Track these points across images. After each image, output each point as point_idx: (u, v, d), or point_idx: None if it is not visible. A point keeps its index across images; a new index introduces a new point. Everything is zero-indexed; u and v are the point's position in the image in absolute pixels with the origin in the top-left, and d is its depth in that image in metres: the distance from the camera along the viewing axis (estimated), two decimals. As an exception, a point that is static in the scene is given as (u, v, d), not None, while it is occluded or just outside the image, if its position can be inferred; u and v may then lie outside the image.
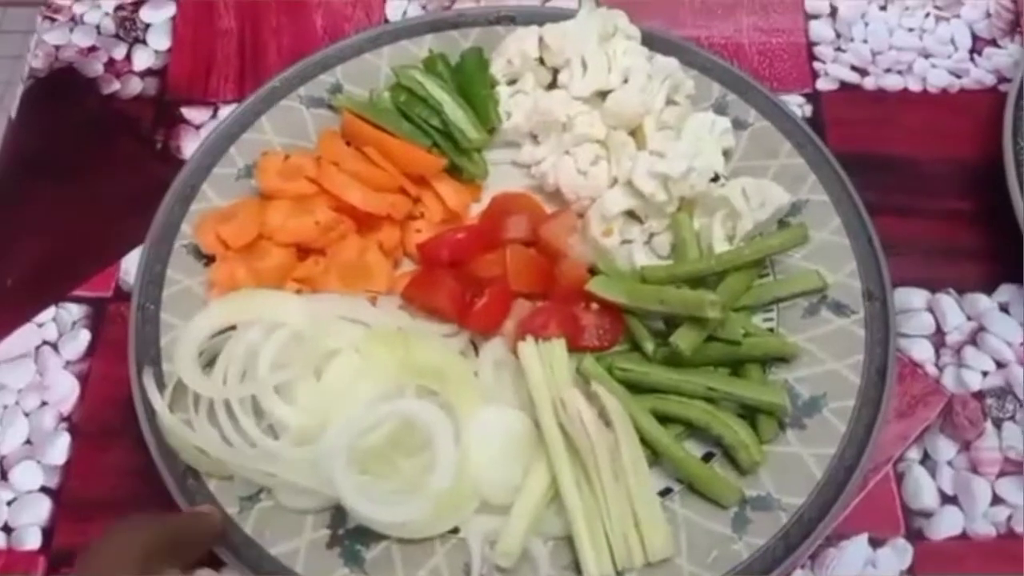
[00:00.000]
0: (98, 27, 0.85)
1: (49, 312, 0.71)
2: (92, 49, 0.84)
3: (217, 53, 0.84)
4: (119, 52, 0.84)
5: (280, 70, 0.78)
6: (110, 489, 0.64)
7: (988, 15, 0.87)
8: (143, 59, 0.83)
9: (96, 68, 0.83)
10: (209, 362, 0.63)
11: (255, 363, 0.62)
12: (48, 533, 0.63)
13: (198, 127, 0.80)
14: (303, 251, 0.70)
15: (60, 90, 0.82)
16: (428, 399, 0.62)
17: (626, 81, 0.72)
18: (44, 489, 0.65)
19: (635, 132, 0.72)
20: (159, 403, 0.61)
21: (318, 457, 0.59)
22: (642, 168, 0.68)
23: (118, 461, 0.65)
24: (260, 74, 0.82)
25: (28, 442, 0.66)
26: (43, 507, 0.64)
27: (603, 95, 0.72)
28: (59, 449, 0.66)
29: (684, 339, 0.62)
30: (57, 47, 0.84)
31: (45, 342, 0.70)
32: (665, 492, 0.62)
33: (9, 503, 0.64)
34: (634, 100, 0.70)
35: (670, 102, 0.74)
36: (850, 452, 0.62)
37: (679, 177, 0.67)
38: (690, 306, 0.62)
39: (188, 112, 0.80)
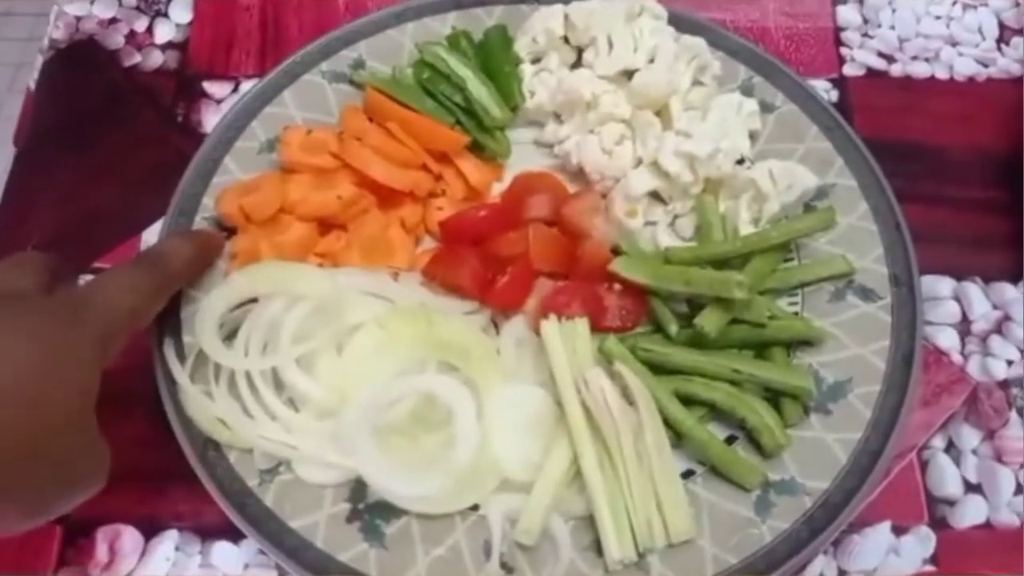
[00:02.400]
0: (119, -1, 0.85)
1: (70, 282, 0.70)
2: (113, 21, 0.84)
3: (238, 28, 0.83)
4: (140, 25, 0.83)
5: (302, 45, 0.77)
6: (127, 459, 0.63)
7: (1016, 4, 0.86)
8: (164, 32, 0.83)
9: (117, 40, 0.83)
10: (230, 334, 0.63)
11: (277, 335, 0.61)
12: (65, 503, 0.63)
13: (219, 101, 0.79)
14: (324, 226, 0.69)
15: (80, 62, 0.82)
16: (450, 375, 0.62)
17: (652, 61, 0.71)
18: (62, 459, 0.64)
19: (661, 112, 0.71)
20: (180, 374, 0.61)
21: (340, 430, 0.58)
22: (668, 148, 0.67)
23: (135, 431, 0.64)
24: (281, 49, 0.81)
25: (46, 412, 0.66)
26: (60, 477, 0.63)
27: (628, 74, 0.72)
28: (77, 419, 0.65)
29: (709, 320, 0.62)
30: (78, 18, 0.84)
31: (64, 312, 0.69)
32: (687, 474, 0.62)
33: (26, 472, 0.64)
34: (661, 79, 0.69)
35: (696, 83, 0.73)
36: (875, 438, 0.61)
37: (705, 158, 0.67)
38: (717, 286, 0.62)
39: (209, 86, 0.80)
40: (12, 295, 0.47)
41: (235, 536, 0.61)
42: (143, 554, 0.61)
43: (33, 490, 0.44)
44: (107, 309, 0.50)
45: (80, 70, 0.81)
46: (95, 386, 0.47)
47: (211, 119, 0.78)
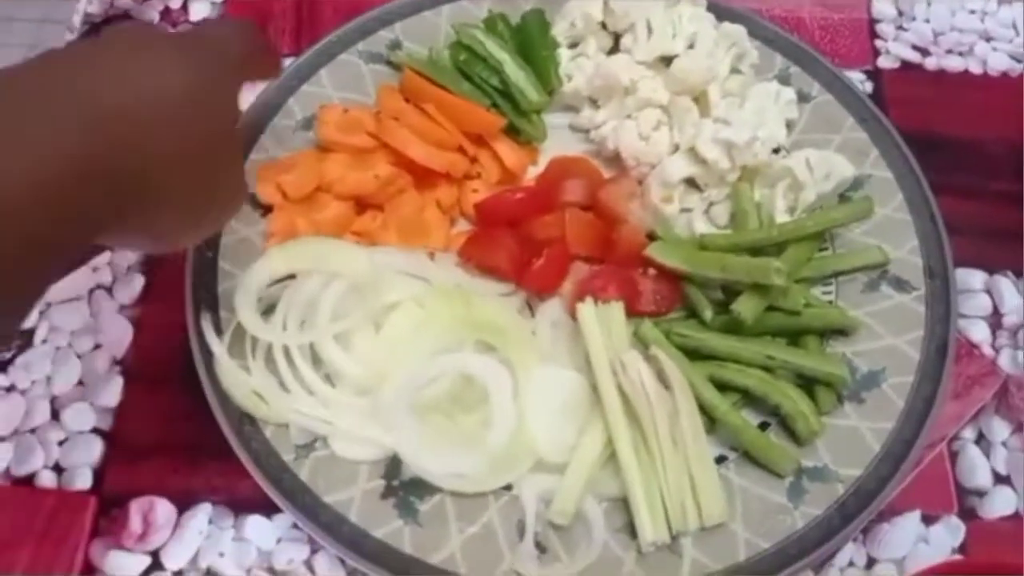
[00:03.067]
0: (155, -25, 0.85)
1: (104, 257, 0.71)
2: (149, -5, 0.84)
3: (274, 6, 0.83)
4: (176, 1, 0.83)
5: (337, 25, 0.77)
6: (162, 433, 0.64)
7: (1051, 0, 0.86)
8: (200, 9, 0.83)
9: (152, 16, 0.83)
10: (266, 310, 0.63)
11: (315, 312, 0.61)
12: (99, 475, 0.63)
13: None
14: (361, 205, 0.69)
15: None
16: (487, 355, 0.62)
17: (691, 47, 0.71)
18: (96, 431, 0.64)
19: (698, 99, 0.71)
20: (218, 347, 0.61)
21: (377, 407, 0.59)
22: (707, 135, 0.68)
23: (171, 405, 0.64)
24: (316, 28, 0.81)
25: (81, 383, 0.66)
26: (95, 448, 0.64)
27: (666, 61, 0.72)
28: (112, 392, 0.66)
29: (746, 307, 0.62)
30: (113, -6, 0.84)
31: (99, 286, 0.70)
32: (720, 460, 0.62)
33: (60, 443, 0.64)
34: (700, 66, 0.69)
35: (734, 70, 0.73)
36: (908, 427, 0.62)
37: (743, 145, 0.67)
38: (754, 273, 0.62)
39: (244, 64, 0.80)
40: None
41: (268, 510, 0.61)
42: (176, 526, 0.61)
43: (189, 196, 0.47)
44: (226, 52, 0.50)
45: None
46: (236, 112, 0.49)
47: (247, 96, 0.77)
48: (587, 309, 0.63)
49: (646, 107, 0.71)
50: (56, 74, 0.42)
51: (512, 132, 0.73)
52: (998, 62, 0.83)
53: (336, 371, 0.61)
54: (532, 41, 0.75)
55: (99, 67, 0.43)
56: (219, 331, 0.63)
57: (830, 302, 0.67)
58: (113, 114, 0.41)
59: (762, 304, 0.62)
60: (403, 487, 0.60)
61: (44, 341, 0.67)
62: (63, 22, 0.85)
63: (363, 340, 0.61)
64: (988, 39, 0.84)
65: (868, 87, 0.80)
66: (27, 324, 0.68)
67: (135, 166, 0.42)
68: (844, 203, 0.69)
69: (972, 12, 0.86)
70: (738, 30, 0.72)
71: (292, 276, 0.64)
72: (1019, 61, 0.83)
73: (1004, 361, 0.69)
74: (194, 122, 0.45)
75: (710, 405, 0.61)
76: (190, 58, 0.45)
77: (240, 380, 0.60)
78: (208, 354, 0.62)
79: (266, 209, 0.69)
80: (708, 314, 0.65)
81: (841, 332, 0.66)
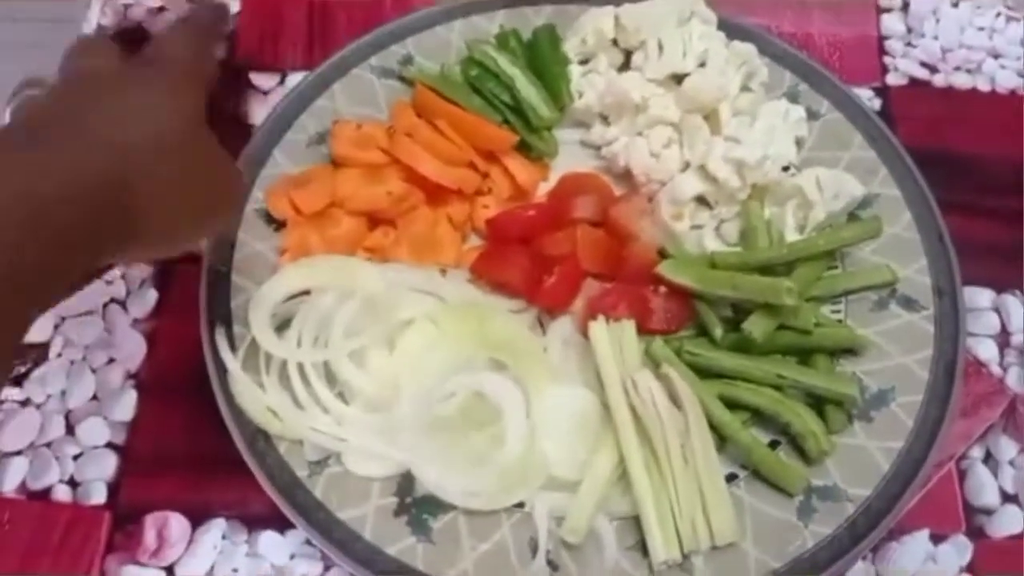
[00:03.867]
0: (167, -13, 0.85)
1: (117, 270, 0.71)
2: (161, 9, 0.84)
3: (286, 19, 0.83)
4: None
5: (349, 39, 0.78)
6: (176, 447, 0.65)
7: (1058, 18, 0.87)
8: (211, 22, 0.83)
9: (164, 29, 0.83)
10: (280, 326, 0.64)
11: (329, 329, 0.62)
12: (113, 489, 0.63)
13: (266, 93, 0.80)
14: (373, 221, 0.70)
15: (128, 49, 0.82)
16: (500, 373, 0.62)
17: (702, 65, 0.71)
18: (110, 445, 0.65)
19: (709, 117, 0.72)
20: (232, 363, 0.61)
21: (390, 424, 0.59)
22: (717, 153, 0.68)
23: (185, 420, 0.65)
24: (329, 42, 0.82)
25: (95, 398, 0.66)
26: (109, 463, 0.64)
27: (677, 79, 0.72)
28: (126, 406, 0.66)
29: (757, 326, 0.62)
30: (126, 5, 0.84)
31: (113, 299, 0.70)
32: (730, 478, 0.62)
33: (75, 458, 0.64)
34: (712, 84, 0.70)
35: (745, 89, 0.73)
36: (917, 446, 0.62)
37: (754, 164, 0.67)
38: (765, 292, 0.62)
39: (256, 77, 0.80)
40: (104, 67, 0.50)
41: (282, 526, 0.61)
42: (190, 542, 0.62)
43: (180, 205, 0.48)
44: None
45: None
46: (203, 113, 0.51)
47: (258, 110, 0.78)
48: (599, 328, 0.63)
49: (657, 124, 0.71)
50: (48, 116, 0.45)
51: (523, 148, 0.74)
52: (1006, 80, 0.83)
53: (350, 388, 0.61)
54: (544, 57, 0.76)
55: (81, 111, 0.45)
56: (233, 346, 0.63)
57: (839, 321, 0.68)
58: (99, 144, 0.44)
59: (773, 323, 0.63)
60: (416, 504, 0.60)
61: (59, 355, 0.68)
62: (72, 21, 0.85)
63: (377, 357, 0.62)
64: (996, 56, 0.85)
65: (876, 104, 0.81)
66: (41, 338, 0.68)
67: (123, 196, 0.44)
68: (853, 222, 0.69)
69: (981, 29, 0.86)
70: (748, 48, 0.73)
71: (307, 292, 0.64)
72: (1027, 78, 0.83)
73: (1012, 380, 0.69)
74: (176, 147, 0.47)
75: (720, 423, 0.62)
76: (154, 89, 0.48)
77: (254, 396, 0.61)
78: (222, 369, 0.62)
79: (279, 224, 0.69)
80: (718, 332, 0.65)
81: (851, 351, 0.66)
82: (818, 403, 0.63)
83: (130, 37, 0.80)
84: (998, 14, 0.87)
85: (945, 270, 0.68)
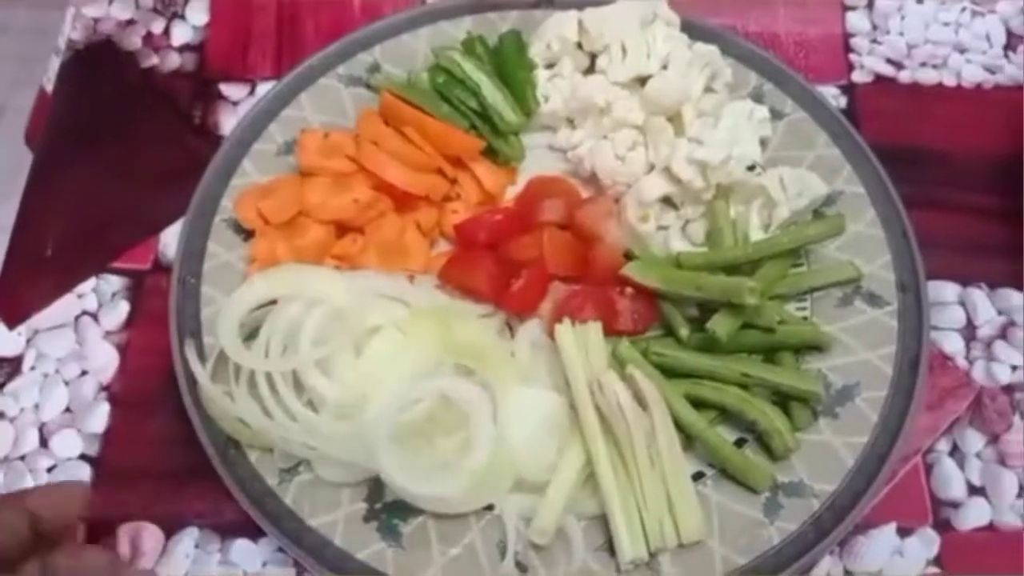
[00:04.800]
0: (137, 0, 0.86)
1: (89, 283, 0.72)
2: (130, 22, 0.84)
3: (255, 30, 0.84)
4: (157, 27, 0.84)
5: (318, 48, 0.78)
6: (149, 458, 0.65)
7: (1023, 11, 0.87)
8: (181, 34, 0.84)
9: (134, 42, 0.84)
10: (249, 335, 0.64)
11: (297, 337, 0.62)
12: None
13: (235, 103, 0.80)
14: (341, 229, 0.70)
15: (98, 63, 0.83)
16: (466, 378, 0.63)
17: (665, 67, 0.72)
18: (84, 456, 0.65)
19: (673, 118, 0.72)
20: (202, 374, 0.62)
21: (359, 431, 0.60)
22: (681, 155, 0.68)
23: (157, 431, 0.65)
24: (297, 52, 0.82)
25: (68, 410, 0.67)
26: (82, 475, 0.65)
27: (641, 81, 0.72)
28: (99, 418, 0.67)
29: (721, 325, 0.63)
30: (96, 20, 0.84)
31: (85, 312, 0.71)
32: (697, 476, 0.63)
33: (49, 470, 0.65)
34: (674, 86, 0.70)
35: (708, 90, 0.74)
36: (882, 441, 0.63)
37: (718, 164, 0.68)
38: (728, 292, 0.63)
39: (226, 88, 0.81)
40: None
41: (254, 534, 0.62)
42: (164, 551, 0.62)
43: None
44: None
45: (98, 71, 0.82)
46: None
47: (228, 121, 0.79)
48: (565, 331, 0.64)
49: (622, 127, 0.72)
50: None
51: (491, 153, 0.74)
52: (972, 74, 0.84)
53: (318, 396, 0.62)
54: (510, 63, 0.76)
55: None
56: (203, 357, 0.64)
57: (805, 318, 0.68)
58: None
59: (737, 322, 0.64)
60: (386, 509, 0.61)
61: (32, 368, 0.68)
62: (51, 32, 0.85)
63: (344, 365, 0.62)
64: (962, 51, 0.85)
65: (842, 101, 0.81)
66: (14, 351, 0.69)
67: None
68: (817, 220, 0.70)
69: (946, 24, 0.87)
70: (711, 50, 0.73)
71: (275, 301, 0.65)
72: (992, 72, 0.84)
73: (978, 373, 0.70)
74: None
75: (687, 423, 0.62)
76: None
77: (224, 406, 0.61)
78: (193, 380, 0.63)
79: (248, 233, 0.70)
80: (684, 332, 0.66)
81: (816, 347, 0.67)
82: (783, 400, 0.64)
83: (102, 56, 0.81)
84: (963, 8, 0.88)
85: (909, 266, 0.69)
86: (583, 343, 0.64)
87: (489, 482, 0.60)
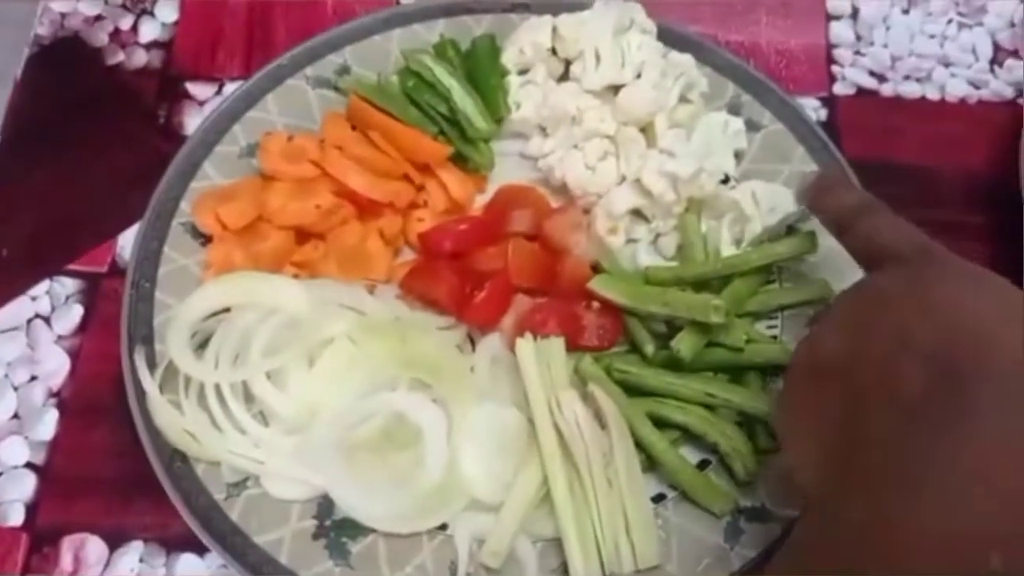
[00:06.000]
0: (105, -4, 0.84)
1: (43, 285, 0.70)
2: (98, 18, 0.83)
3: (225, 28, 0.82)
4: (125, 23, 0.82)
5: (287, 48, 0.77)
6: (96, 468, 0.63)
7: (1012, 25, 0.85)
8: (149, 31, 0.82)
9: (101, 38, 0.82)
10: (202, 344, 0.62)
11: (248, 347, 0.61)
12: (32, 510, 0.62)
13: (202, 103, 0.78)
14: (302, 235, 0.68)
15: (64, 59, 0.81)
16: (421, 392, 0.61)
17: (639, 76, 0.70)
18: (30, 465, 0.64)
19: (646, 129, 0.71)
20: (149, 383, 0.60)
21: (307, 446, 0.58)
22: (651, 167, 0.67)
23: (106, 440, 0.64)
24: (268, 52, 0.80)
25: (16, 416, 0.65)
26: (28, 483, 0.63)
27: (615, 89, 0.71)
28: (47, 425, 0.65)
29: (685, 343, 0.61)
30: (63, 15, 0.83)
31: (38, 315, 0.69)
32: (659, 498, 0.61)
33: (-6, 477, 0.63)
34: (646, 96, 0.69)
35: (683, 100, 0.72)
36: (848, 466, 0.61)
37: (688, 177, 0.66)
38: (693, 310, 0.61)
39: (193, 87, 0.79)
40: None
41: (200, 549, 0.60)
42: (107, 564, 0.61)
43: None
44: None
45: (63, 68, 0.80)
46: None
47: (193, 121, 0.77)
48: (526, 345, 0.62)
49: (593, 137, 0.70)
50: None
51: (460, 160, 0.72)
52: (956, 88, 0.82)
53: (268, 409, 0.60)
54: (482, 67, 0.74)
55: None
56: (154, 365, 0.62)
57: (775, 337, 0.67)
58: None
59: (702, 341, 0.62)
60: (335, 527, 0.59)
61: (-19, 372, 0.67)
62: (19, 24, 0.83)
63: (297, 377, 0.61)
64: (947, 64, 0.83)
65: (823, 114, 0.79)
66: (-37, 355, 0.67)
67: None
68: (788, 237, 0.68)
69: (932, 36, 0.85)
70: (686, 60, 0.72)
71: (228, 309, 0.63)
72: (977, 87, 0.82)
73: (951, 396, 0.68)
74: None
75: (648, 443, 0.61)
76: None
77: (172, 417, 0.59)
78: (141, 390, 0.61)
79: (207, 238, 0.68)
80: (649, 349, 0.64)
81: (785, 367, 0.65)
82: (749, 421, 0.62)
83: (68, 52, 0.80)
84: (950, 21, 0.86)
85: (883, 285, 0.67)
86: (544, 358, 0.62)
87: (441, 501, 0.59)
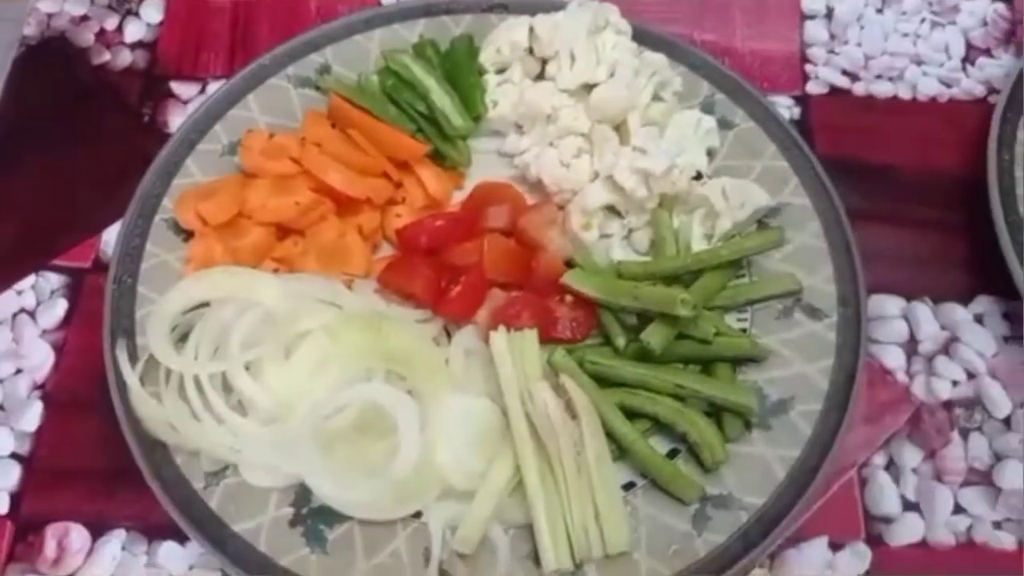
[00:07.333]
0: (91, -4, 0.85)
1: (28, 280, 0.71)
2: (84, 18, 0.84)
3: (209, 29, 0.84)
4: (111, 23, 0.84)
5: (269, 48, 0.78)
6: (79, 458, 0.65)
7: (984, 23, 0.87)
8: (134, 31, 0.83)
9: (87, 38, 0.83)
10: (182, 337, 0.64)
11: (227, 340, 0.62)
12: (16, 499, 0.64)
13: (186, 102, 0.80)
14: (282, 231, 0.70)
15: (50, 59, 0.82)
16: (396, 384, 0.62)
17: (613, 75, 0.72)
18: (14, 455, 0.65)
19: (619, 127, 0.72)
20: (130, 376, 0.61)
21: (283, 436, 0.59)
22: (624, 164, 0.68)
23: (89, 431, 0.65)
24: (251, 51, 0.82)
25: (1, 408, 0.67)
26: (13, 473, 0.64)
27: (590, 88, 0.72)
28: (31, 416, 0.66)
29: (655, 336, 0.63)
30: (50, 15, 0.84)
31: (23, 310, 0.70)
32: (629, 486, 0.63)
33: (-21, 467, 0.65)
34: (619, 95, 0.70)
35: (656, 98, 0.74)
36: (813, 455, 0.62)
37: (660, 174, 0.67)
38: (662, 303, 0.63)
39: (176, 86, 0.80)
40: None
41: (181, 537, 0.62)
42: (90, 552, 0.62)
43: None
44: None
45: (49, 67, 0.82)
46: None
47: (177, 120, 0.78)
48: (499, 338, 0.63)
49: (568, 135, 0.72)
50: None
51: (438, 158, 0.74)
52: (928, 87, 0.83)
53: (246, 400, 0.61)
54: (460, 67, 0.76)
55: None
56: (136, 358, 0.63)
57: (744, 329, 0.68)
58: None
59: (671, 333, 0.63)
60: (312, 515, 0.60)
61: (-34, 365, 0.68)
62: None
63: (274, 369, 0.62)
64: (919, 63, 0.85)
65: (796, 112, 0.81)
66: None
67: None
68: (757, 232, 0.69)
69: (905, 35, 0.87)
70: (659, 59, 0.73)
71: (208, 303, 0.64)
72: (949, 86, 0.84)
73: (918, 388, 0.69)
74: None
75: (619, 433, 0.62)
76: None
77: (152, 408, 0.61)
78: (123, 382, 0.62)
79: (188, 234, 0.69)
80: (621, 341, 0.66)
81: (753, 359, 0.66)
82: (718, 411, 0.64)
83: (54, 52, 0.81)
84: (923, 19, 0.87)
85: (850, 280, 0.68)
86: (518, 351, 0.63)
87: (415, 489, 0.60)
